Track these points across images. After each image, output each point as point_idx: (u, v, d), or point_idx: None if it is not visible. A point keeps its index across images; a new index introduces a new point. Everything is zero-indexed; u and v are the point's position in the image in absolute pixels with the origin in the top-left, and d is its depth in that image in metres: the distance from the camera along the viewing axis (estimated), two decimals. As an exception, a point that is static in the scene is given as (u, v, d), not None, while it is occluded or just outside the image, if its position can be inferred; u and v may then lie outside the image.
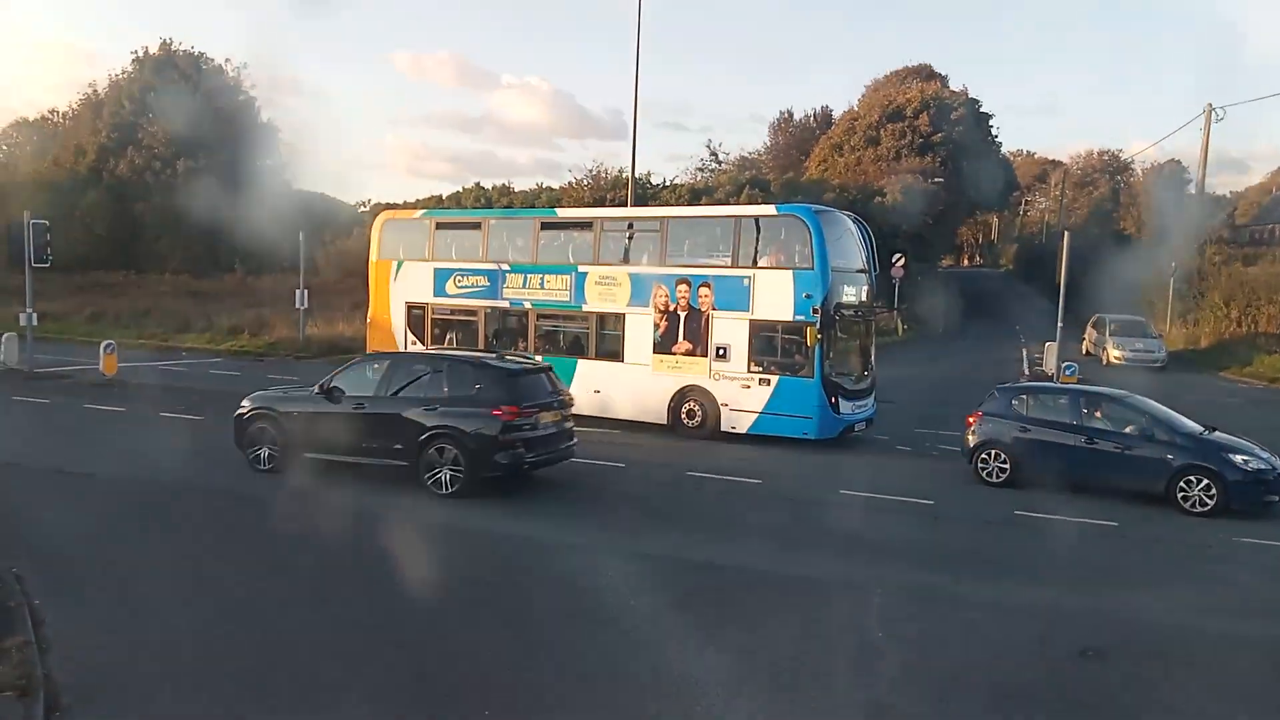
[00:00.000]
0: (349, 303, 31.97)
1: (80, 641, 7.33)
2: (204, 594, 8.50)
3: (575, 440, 12.82)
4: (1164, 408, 13.59)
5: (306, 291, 29.08)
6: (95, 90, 53.37)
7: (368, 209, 47.72)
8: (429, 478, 11.63)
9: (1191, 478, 12.32)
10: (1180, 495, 12.34)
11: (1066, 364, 21.51)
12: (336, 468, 12.26)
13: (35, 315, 22.32)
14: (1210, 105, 38.00)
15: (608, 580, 8.98)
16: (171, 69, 49.84)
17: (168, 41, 51.13)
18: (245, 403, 13.06)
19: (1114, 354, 31.53)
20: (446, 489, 11.57)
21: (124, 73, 51.69)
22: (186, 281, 43.23)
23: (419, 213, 25.04)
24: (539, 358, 18.28)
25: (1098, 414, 13.47)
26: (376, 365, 12.75)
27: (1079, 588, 9.28)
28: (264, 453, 12.75)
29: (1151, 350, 31.31)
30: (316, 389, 12.54)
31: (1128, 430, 12.99)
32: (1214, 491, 12.16)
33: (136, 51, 51.23)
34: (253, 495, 12.12)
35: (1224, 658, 7.75)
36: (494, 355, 13.07)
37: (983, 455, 13.87)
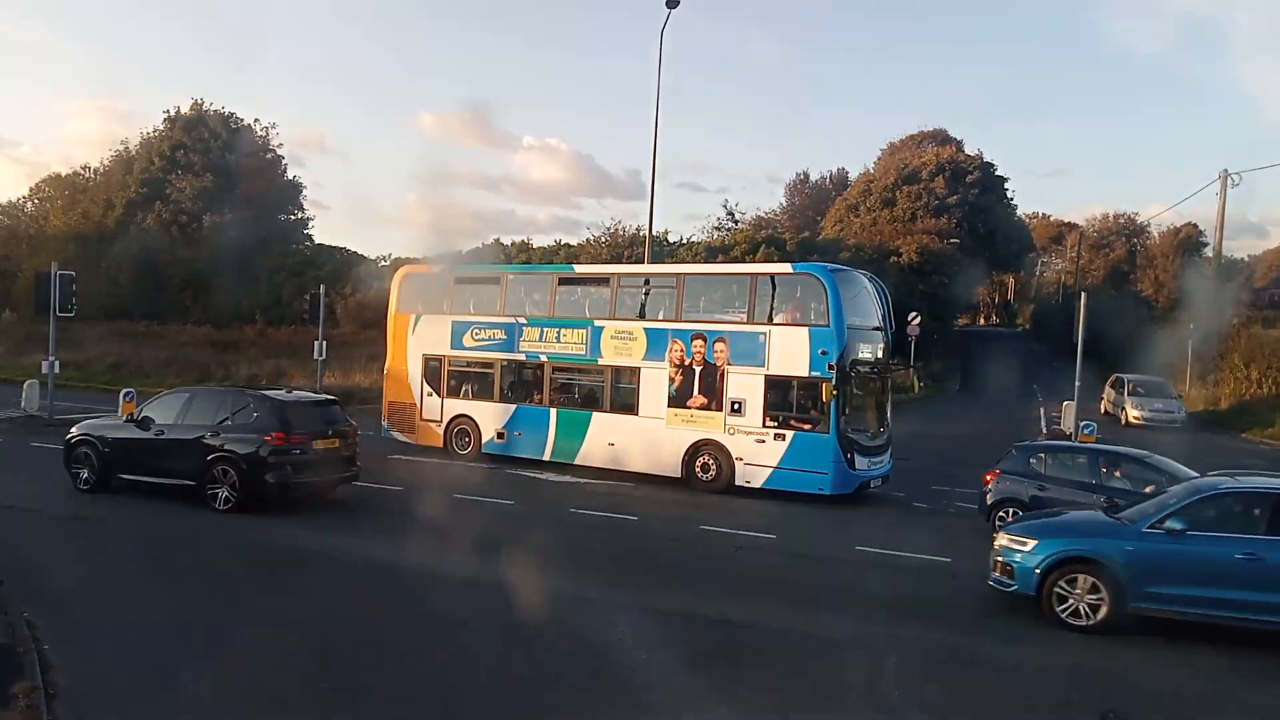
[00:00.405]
0: (366, 354, 32.22)
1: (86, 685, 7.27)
2: (212, 643, 8.45)
3: (356, 467, 14.06)
4: (1184, 468, 13.43)
5: (325, 343, 29.35)
6: (127, 147, 54.79)
7: (388, 263, 48.35)
8: (210, 493, 13.04)
9: (1214, 540, 12.09)
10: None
11: (1085, 423, 21.30)
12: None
13: (58, 363, 22.62)
14: (1226, 171, 38.21)
15: (620, 637, 8.87)
16: (202, 127, 51.12)
17: (199, 101, 52.55)
18: (74, 430, 14.59)
19: (1133, 414, 31.28)
20: (224, 505, 12.95)
21: (155, 131, 53.06)
22: (208, 333, 43.73)
23: (439, 268, 25.33)
24: (552, 410, 18.49)
25: (1117, 473, 13.33)
26: (180, 396, 14.27)
27: (1100, 650, 9.08)
28: (84, 473, 14.16)
29: (1171, 410, 31.05)
30: (128, 418, 14.19)
31: (1147, 490, 12.76)
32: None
33: (169, 110, 52.65)
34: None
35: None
36: (282, 389, 14.61)
37: (1000, 513, 13.69)
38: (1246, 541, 9.05)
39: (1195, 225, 68.04)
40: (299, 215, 54.65)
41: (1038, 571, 9.57)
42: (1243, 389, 35.27)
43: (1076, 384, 22.00)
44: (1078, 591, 9.44)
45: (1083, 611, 9.41)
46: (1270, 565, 8.83)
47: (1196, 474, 13.24)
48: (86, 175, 58.41)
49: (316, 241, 54.35)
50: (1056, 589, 9.51)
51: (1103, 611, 9.33)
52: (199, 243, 47.30)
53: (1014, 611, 10.49)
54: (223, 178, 49.22)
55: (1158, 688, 8.14)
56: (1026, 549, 9.76)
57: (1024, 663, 8.63)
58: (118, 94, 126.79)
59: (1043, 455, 14.23)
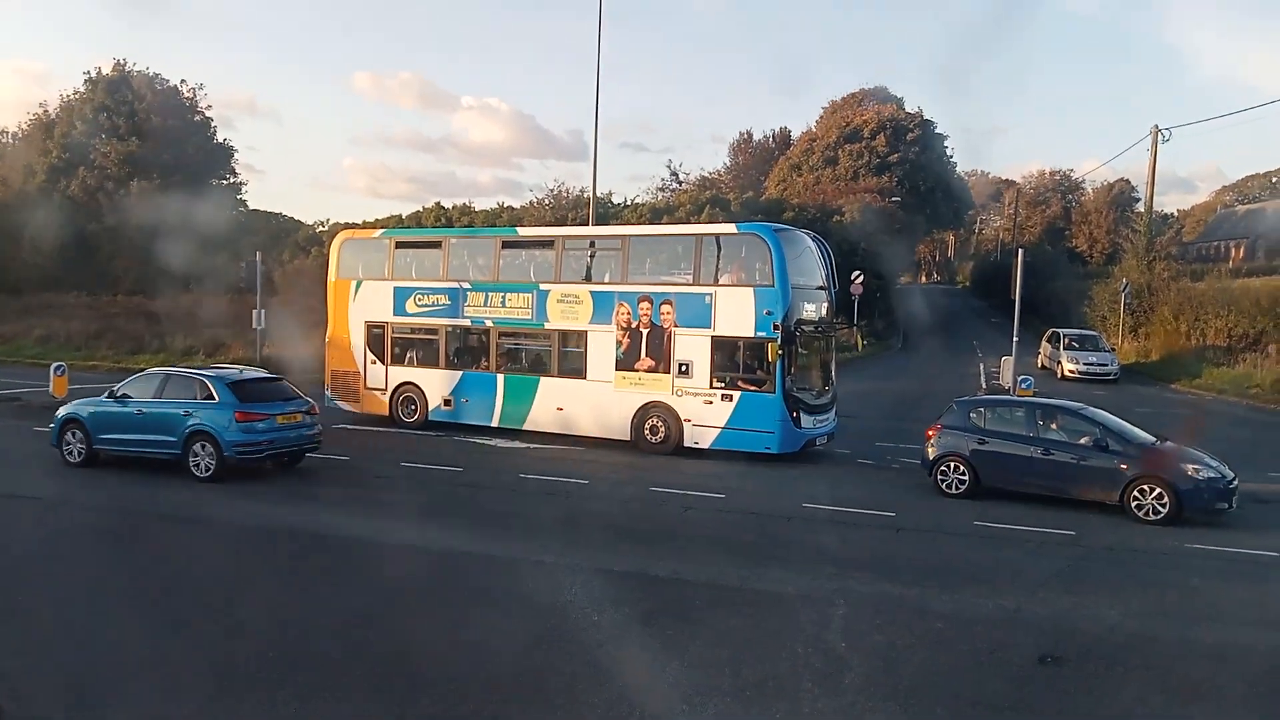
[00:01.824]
0: (307, 322, 31.52)
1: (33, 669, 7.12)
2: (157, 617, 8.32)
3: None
4: (1117, 419, 13.88)
5: (264, 312, 28.68)
6: (46, 110, 52.38)
7: (326, 229, 47.30)
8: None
9: (1145, 487, 12.58)
10: (1134, 504, 12.59)
11: (1022, 377, 21.85)
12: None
13: (-18, 338, 21.74)
14: (1157, 127, 39.07)
15: (572, 598, 8.94)
16: (125, 89, 49.09)
17: (121, 62, 50.38)
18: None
19: (1068, 367, 32.17)
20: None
21: (76, 93, 50.83)
22: (140, 303, 42.35)
23: (378, 232, 24.87)
24: (499, 375, 18.39)
25: (1053, 426, 13.70)
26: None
27: (1037, 596, 9.41)
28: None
29: (1105, 363, 31.99)
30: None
31: (1082, 441, 13.23)
32: (1166, 500, 12.41)
33: (89, 72, 50.43)
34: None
35: (1178, 662, 7.89)
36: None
37: (942, 467, 14.04)
38: None
39: (1128, 181, 69.91)
40: (231, 180, 53.02)
41: None
42: (1172, 341, 36.45)
43: (1014, 340, 22.53)
44: None
45: None
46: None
47: (1128, 424, 13.76)
48: (4, 140, 55.86)
49: (251, 207, 52.93)
50: None
51: None
52: (127, 210, 45.62)
53: (956, 562, 10.82)
54: (149, 141, 47.39)
55: (1092, 630, 8.45)
56: None
57: (964, 609, 8.90)
58: (34, 55, 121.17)
59: (982, 410, 14.56)
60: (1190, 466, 12.64)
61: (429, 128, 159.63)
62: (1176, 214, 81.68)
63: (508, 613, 8.70)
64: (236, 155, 53.56)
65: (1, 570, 9.92)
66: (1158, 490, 12.49)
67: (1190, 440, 13.82)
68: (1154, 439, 13.42)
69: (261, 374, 15.85)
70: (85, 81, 50.38)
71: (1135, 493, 12.61)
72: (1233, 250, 65.58)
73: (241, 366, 16.06)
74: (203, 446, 13.85)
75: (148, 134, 47.50)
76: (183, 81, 51.18)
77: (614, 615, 8.49)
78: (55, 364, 22.15)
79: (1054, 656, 7.76)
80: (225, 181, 52.62)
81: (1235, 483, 12.67)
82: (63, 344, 34.03)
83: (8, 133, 55.86)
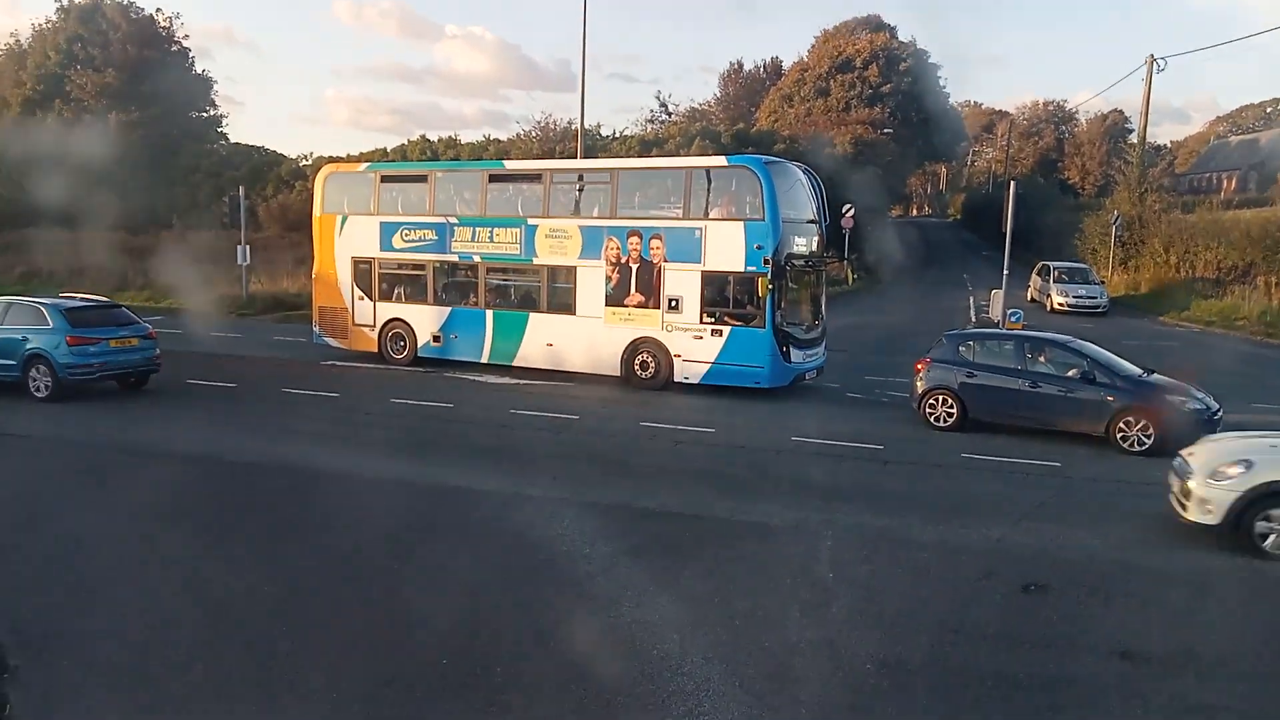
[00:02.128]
0: (293, 258, 31.32)
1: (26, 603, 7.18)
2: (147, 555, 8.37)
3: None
4: (1105, 352, 13.94)
5: (249, 248, 28.38)
6: (18, 40, 51.03)
7: (310, 163, 46.51)
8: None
9: (1130, 418, 12.69)
10: (1120, 436, 12.72)
11: (1012, 311, 21.88)
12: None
13: (-38, 275, 21.48)
14: (1152, 56, 38.41)
15: (562, 531, 9.02)
16: (99, 18, 47.72)
17: (93, -13, 48.88)
18: None
19: (1058, 300, 32.20)
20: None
21: (48, 22, 49.44)
22: (122, 239, 41.75)
23: (363, 166, 24.49)
24: (488, 311, 18.31)
25: (1041, 358, 13.75)
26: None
27: (1023, 526, 9.55)
28: None
29: (1094, 296, 32.03)
30: None
31: (1070, 374, 13.30)
32: (1151, 431, 12.54)
33: (61, 0, 48.93)
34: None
35: (1159, 590, 8.06)
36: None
37: (930, 401, 14.12)
38: None
39: (1121, 112, 69.21)
40: (211, 112, 52.01)
41: None
42: (1162, 274, 36.45)
43: (1004, 273, 22.52)
44: None
45: None
46: None
47: (1116, 357, 13.83)
48: (-25, 72, 54.41)
49: (232, 141, 51.98)
50: None
51: None
52: (106, 143, 44.69)
53: (942, 494, 10.94)
54: (126, 73, 46.25)
55: (1074, 559, 8.60)
56: None
57: (950, 540, 9.03)
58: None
59: (971, 343, 14.59)
60: (1176, 398, 12.74)
61: (412, 58, 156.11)
62: (1170, 145, 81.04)
63: (498, 546, 8.78)
64: (216, 87, 52.48)
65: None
66: (1143, 422, 12.60)
67: (1187, 377, 13.87)
68: (1141, 371, 13.50)
69: (99, 301, 16.72)
70: (57, 10, 49.07)
71: (1121, 424, 12.73)
72: (1225, 181, 65.28)
73: (89, 296, 16.77)
74: (39, 369, 14.92)
75: (124, 65, 46.34)
76: (158, 10, 49.82)
77: (604, 548, 8.59)
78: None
79: (1038, 585, 7.90)
80: (205, 114, 51.62)
81: (1220, 414, 12.78)
82: (45, 281, 33.66)
83: (-22, 64, 54.44)
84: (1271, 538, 8.55)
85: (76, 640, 6.74)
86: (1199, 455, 9.25)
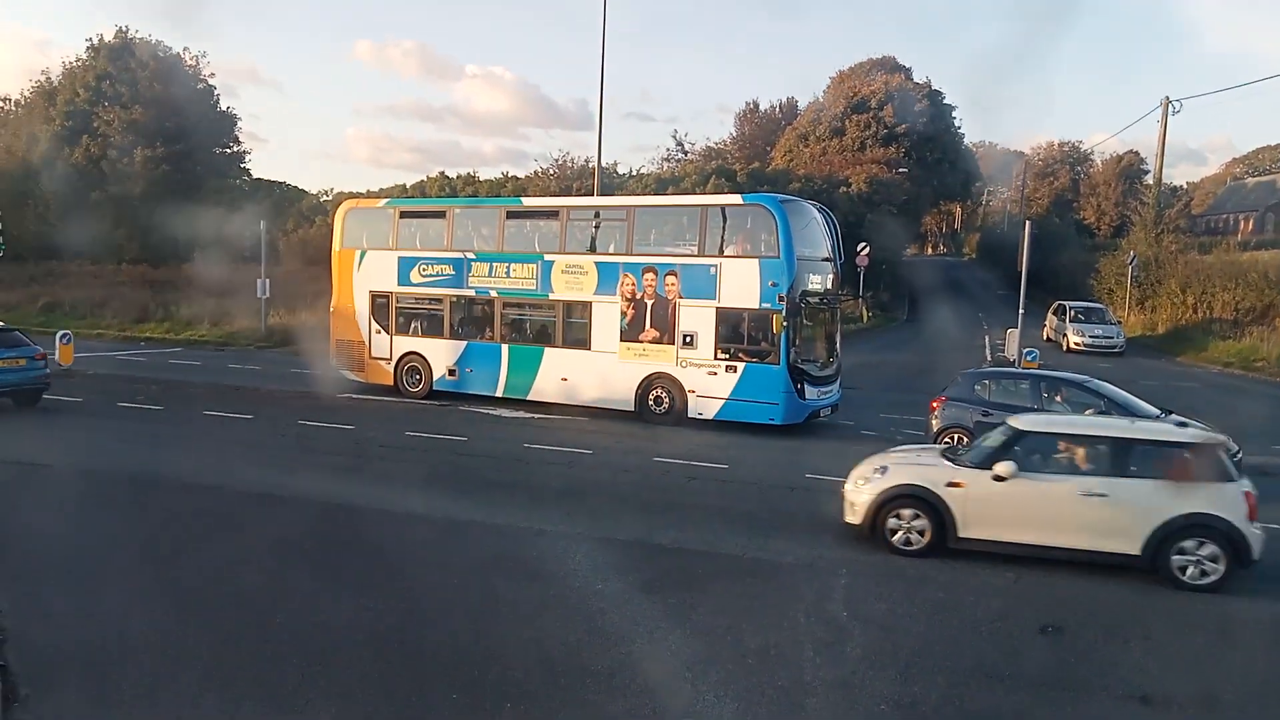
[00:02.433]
0: (311, 292, 31.60)
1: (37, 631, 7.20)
2: (160, 585, 8.39)
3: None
4: (1122, 392, 13.86)
5: (268, 281, 28.71)
6: (48, 78, 52.13)
7: (330, 198, 47.15)
8: None
9: (1148, 459, 12.54)
10: (1137, 477, 12.56)
11: (1028, 350, 21.81)
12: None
13: (-13, 306, 21.82)
14: (1167, 98, 38.66)
15: (575, 566, 9.00)
16: (128, 56, 48.76)
17: (123, 29, 50.03)
18: None
19: (1074, 340, 32.06)
20: None
21: (78, 60, 50.54)
22: (144, 271, 42.41)
23: (383, 202, 24.81)
24: (504, 346, 18.43)
25: (1058, 398, 13.69)
26: None
27: (1039, 567, 9.43)
28: None
29: (1111, 336, 31.88)
30: None
31: (1087, 413, 13.20)
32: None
33: (91, 39, 50.13)
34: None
35: (1178, 632, 7.94)
36: None
37: (946, 439, 14.03)
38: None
39: (1137, 153, 69.27)
40: (234, 149, 52.80)
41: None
42: (1179, 314, 36.28)
43: (1020, 312, 22.46)
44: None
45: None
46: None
47: (1134, 397, 13.74)
48: (6, 108, 55.61)
49: (255, 176, 52.75)
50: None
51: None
52: (131, 178, 45.52)
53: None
54: (152, 110, 47.13)
55: (1092, 600, 8.50)
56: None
57: (966, 579, 8.94)
58: (34, 21, 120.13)
59: (987, 382, 14.55)
60: (1194, 439, 12.61)
61: (432, 97, 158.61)
62: (1186, 186, 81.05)
63: (511, 581, 8.75)
64: (239, 124, 53.39)
65: None
66: (1161, 463, 12.45)
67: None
68: (1159, 412, 13.40)
69: None
70: (87, 49, 50.19)
71: (1138, 465, 12.58)
72: (1241, 223, 65.11)
73: None
74: None
75: (150, 102, 47.24)
76: (185, 49, 50.86)
77: (616, 584, 8.55)
78: (61, 332, 22.25)
79: (1054, 626, 7.81)
80: (228, 150, 52.44)
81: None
82: (68, 312, 34.17)
83: (10, 100, 55.69)
84: (899, 534, 9.62)
85: (85, 667, 6.75)
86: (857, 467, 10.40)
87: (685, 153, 60.04)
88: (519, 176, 46.05)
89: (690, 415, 16.72)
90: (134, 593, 8.21)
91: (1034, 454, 9.35)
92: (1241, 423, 15.84)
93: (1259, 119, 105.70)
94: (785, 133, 63.29)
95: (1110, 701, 6.52)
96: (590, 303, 17.58)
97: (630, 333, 17.19)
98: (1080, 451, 9.31)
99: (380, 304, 19.70)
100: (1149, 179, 52.18)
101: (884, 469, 9.97)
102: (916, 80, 61.87)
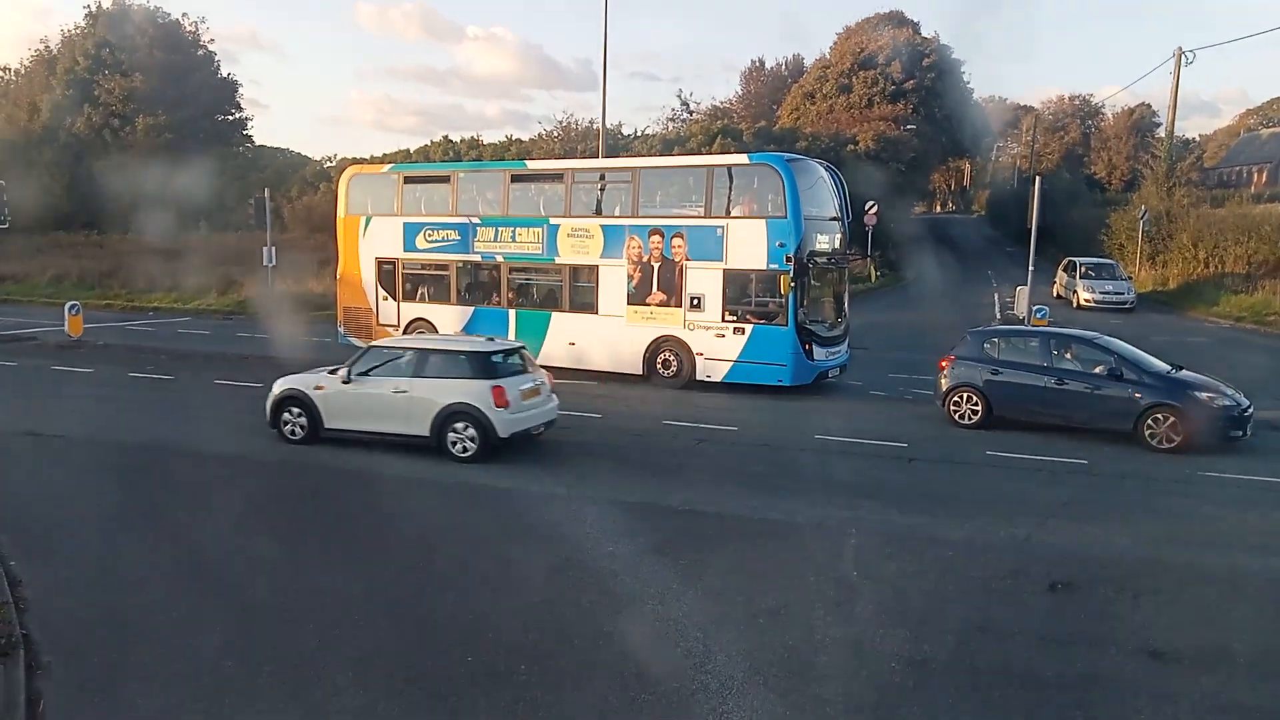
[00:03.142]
0: (318, 259, 31.56)
1: (58, 601, 7.30)
2: (177, 553, 8.49)
3: None
4: (1132, 348, 13.78)
5: (275, 249, 28.63)
6: (47, 46, 51.88)
7: (334, 164, 46.88)
8: None
9: (1159, 415, 12.54)
10: (1148, 432, 12.57)
11: (1037, 307, 21.68)
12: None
13: (-5, 278, 21.89)
14: (1180, 49, 37.92)
15: (587, 529, 9.06)
16: (127, 23, 48.33)
17: (121, -7, 49.55)
18: None
19: (1084, 296, 31.82)
20: None
21: (77, 28, 50.15)
22: (150, 241, 42.33)
23: (387, 167, 24.64)
24: (511, 311, 18.40)
25: (1067, 355, 13.63)
26: None
27: (1049, 524, 9.47)
28: None
29: (1121, 292, 31.63)
30: None
31: (1097, 370, 13.16)
32: (1180, 428, 12.38)
33: (89, 6, 49.65)
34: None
35: (1188, 587, 7.96)
36: None
37: (955, 398, 14.03)
38: None
39: (1149, 105, 68.35)
40: (236, 115, 52.52)
41: None
42: (1190, 269, 35.96)
43: (1029, 269, 22.30)
44: None
45: None
46: None
47: (1144, 353, 13.68)
48: (6, 77, 55.34)
49: (257, 143, 52.50)
50: None
51: None
52: (133, 146, 45.34)
53: (967, 491, 10.88)
54: (153, 77, 46.81)
55: (1102, 556, 8.52)
56: None
57: (976, 538, 8.97)
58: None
59: (996, 340, 14.48)
60: (1205, 394, 12.58)
61: (434, 59, 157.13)
62: (1198, 139, 79.88)
63: (524, 544, 8.82)
64: (241, 90, 53.00)
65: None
66: (1171, 419, 12.44)
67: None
68: (1169, 367, 13.34)
69: None
70: (85, 16, 49.75)
71: (1149, 421, 12.57)
72: (1255, 175, 64.31)
73: None
74: None
75: (151, 69, 46.90)
76: (184, 15, 50.53)
77: (628, 545, 8.61)
78: (70, 303, 22.30)
79: (1064, 583, 7.84)
80: (231, 117, 52.16)
81: (1250, 410, 12.62)
82: (75, 283, 34.19)
83: (10, 70, 55.38)
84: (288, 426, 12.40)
85: (106, 635, 6.85)
86: None
87: (690, 113, 59.34)
88: (523, 139, 45.72)
89: (698, 378, 16.72)
90: (153, 562, 8.32)
91: (372, 365, 12.17)
92: (1254, 376, 15.79)
93: (1274, 69, 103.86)
94: (791, 91, 62.53)
95: (1120, 656, 6.56)
96: (597, 266, 17.51)
97: (637, 296, 17.14)
98: (395, 362, 12.10)
99: (386, 270, 19.66)
100: (1161, 132, 51.50)
101: (282, 380, 12.68)
102: (924, 35, 60.94)
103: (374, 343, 13.83)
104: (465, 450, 11.54)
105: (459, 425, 11.56)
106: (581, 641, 6.71)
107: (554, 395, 12.83)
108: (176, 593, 7.57)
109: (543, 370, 13.08)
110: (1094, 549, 8.74)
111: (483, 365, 11.81)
